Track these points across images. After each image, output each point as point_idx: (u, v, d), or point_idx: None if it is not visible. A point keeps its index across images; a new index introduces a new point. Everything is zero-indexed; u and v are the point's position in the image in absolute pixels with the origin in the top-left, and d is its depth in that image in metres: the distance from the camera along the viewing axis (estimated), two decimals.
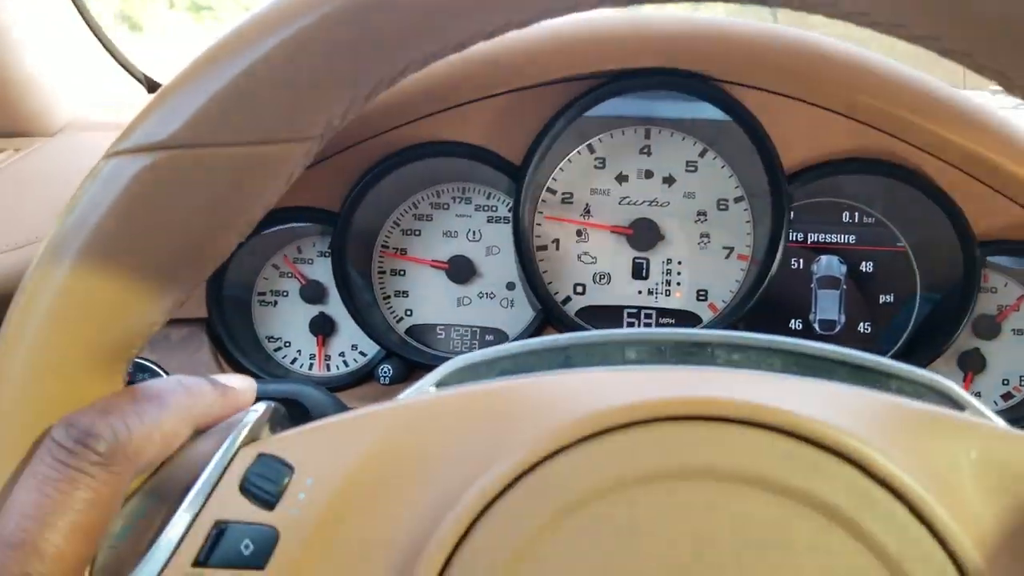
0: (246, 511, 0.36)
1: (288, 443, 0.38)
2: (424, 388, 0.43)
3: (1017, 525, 0.35)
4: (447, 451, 0.37)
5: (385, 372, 0.82)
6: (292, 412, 0.61)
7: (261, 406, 0.41)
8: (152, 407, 0.37)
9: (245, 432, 0.38)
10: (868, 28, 0.36)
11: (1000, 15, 0.32)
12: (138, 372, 0.79)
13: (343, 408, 0.64)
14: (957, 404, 0.43)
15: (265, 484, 0.36)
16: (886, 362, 0.44)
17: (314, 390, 0.62)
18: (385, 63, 0.37)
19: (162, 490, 0.38)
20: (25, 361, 0.36)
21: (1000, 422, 0.40)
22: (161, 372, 0.80)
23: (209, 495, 0.36)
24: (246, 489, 0.36)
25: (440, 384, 0.43)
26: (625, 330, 0.46)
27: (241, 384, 0.43)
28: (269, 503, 0.36)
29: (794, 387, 0.39)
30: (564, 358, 0.45)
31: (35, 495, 0.33)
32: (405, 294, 0.92)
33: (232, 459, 0.37)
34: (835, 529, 0.33)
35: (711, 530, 0.33)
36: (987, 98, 0.86)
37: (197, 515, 0.35)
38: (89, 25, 1.16)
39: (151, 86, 1.30)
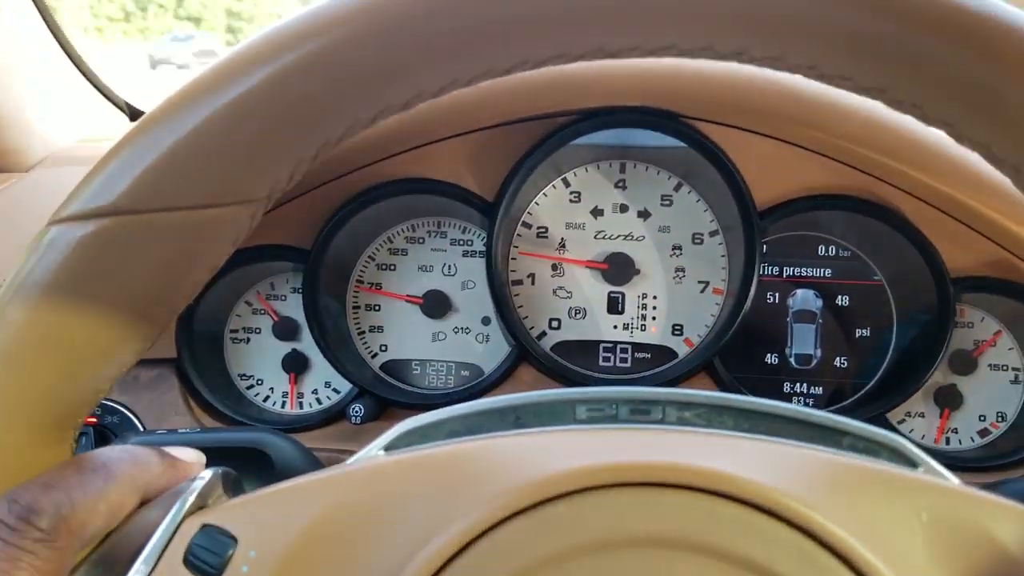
0: None
1: (232, 513, 0.38)
2: (372, 451, 0.42)
3: None
4: (395, 517, 0.37)
5: (356, 412, 0.81)
6: (256, 461, 0.61)
7: (208, 472, 0.40)
8: (97, 478, 0.37)
9: (191, 500, 0.38)
10: (817, 80, 0.37)
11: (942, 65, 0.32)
12: (107, 414, 0.79)
13: (308, 456, 0.64)
14: (910, 461, 0.42)
15: (208, 556, 0.36)
16: (837, 419, 0.43)
17: (277, 438, 0.62)
18: (328, 126, 0.37)
19: (109, 560, 0.37)
20: None
21: (953, 480, 0.40)
22: (130, 415, 0.79)
23: (154, 567, 0.35)
24: (189, 561, 0.36)
25: (389, 447, 0.42)
26: (576, 390, 0.45)
27: (189, 456, 0.42)
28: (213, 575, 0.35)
29: (742, 448, 0.39)
30: (514, 418, 0.44)
31: None
32: (380, 329, 0.92)
33: (176, 529, 0.36)
34: None
35: None
36: None
37: None
38: (71, 57, 1.16)
39: (133, 114, 1.30)
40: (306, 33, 0.35)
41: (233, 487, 0.42)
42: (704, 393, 0.45)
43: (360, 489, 0.38)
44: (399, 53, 0.35)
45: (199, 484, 0.39)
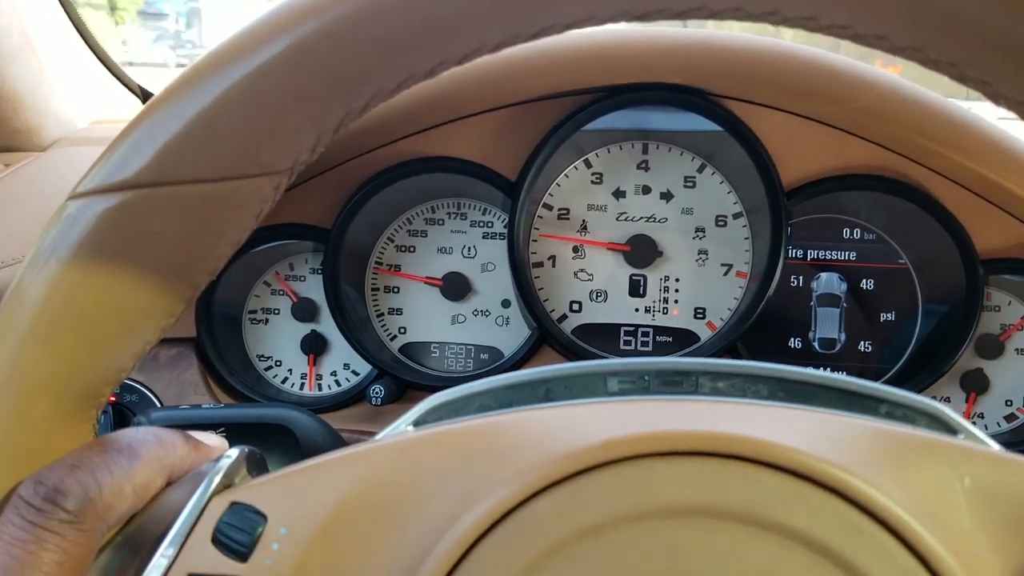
0: (219, 563, 0.34)
1: (261, 491, 0.37)
2: (401, 427, 0.42)
3: (1015, 555, 0.33)
4: (425, 492, 0.36)
5: (376, 393, 0.81)
6: (280, 438, 0.61)
7: (235, 451, 0.39)
8: (123, 459, 0.36)
9: (218, 479, 0.37)
10: (850, 41, 0.36)
11: (978, 22, 0.32)
12: (125, 393, 0.78)
13: (331, 433, 0.63)
14: (950, 428, 0.41)
15: (237, 535, 0.35)
16: (874, 386, 0.42)
17: (302, 415, 0.61)
18: (350, 96, 0.36)
19: (135, 542, 0.37)
20: None
21: (995, 445, 0.39)
22: (149, 393, 0.79)
23: (181, 547, 0.35)
24: (218, 540, 0.35)
25: (418, 423, 0.42)
26: (607, 361, 0.44)
27: (213, 441, 0.42)
28: (242, 554, 0.34)
29: (779, 416, 0.38)
30: (544, 391, 0.43)
31: (3, 557, 0.32)
32: (399, 311, 0.91)
33: (204, 509, 0.36)
34: (825, 565, 0.32)
35: (698, 568, 0.32)
36: (990, 111, 0.85)
37: (169, 568, 0.34)
38: (84, 38, 1.15)
39: (146, 97, 1.30)
40: (327, 2, 0.35)
41: (258, 467, 0.41)
42: (738, 362, 0.44)
43: (390, 464, 0.37)
44: (422, 19, 0.34)
45: (225, 463, 0.38)
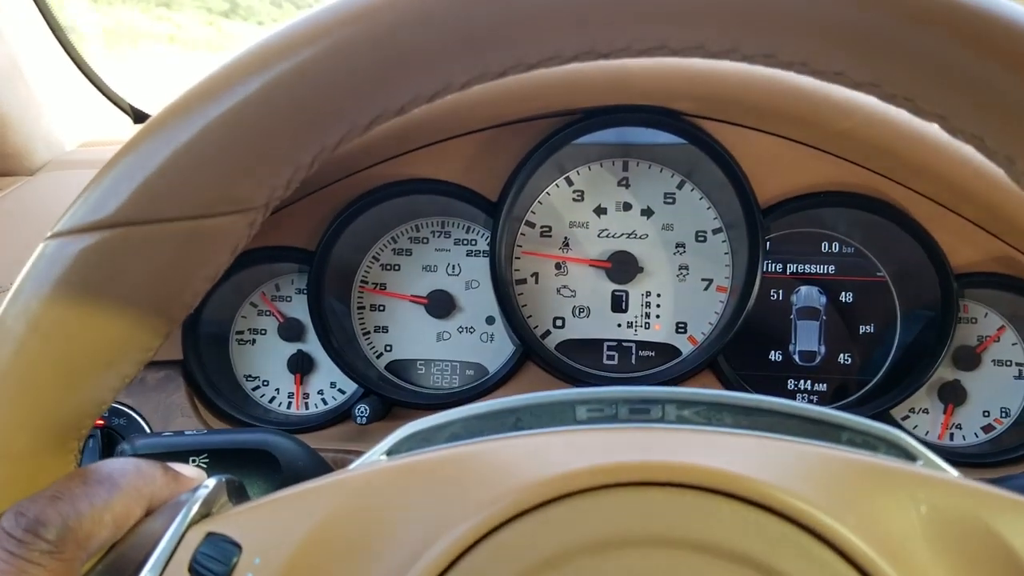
0: None
1: (236, 520, 0.38)
2: (374, 456, 0.43)
3: None
4: (397, 522, 0.37)
5: (362, 412, 0.82)
6: (263, 462, 0.62)
7: (212, 481, 0.40)
8: (102, 489, 0.37)
9: (195, 509, 0.38)
10: (810, 76, 0.37)
11: (930, 59, 0.33)
12: (114, 416, 0.79)
13: (314, 456, 0.64)
14: (909, 455, 0.42)
15: (213, 565, 0.36)
16: (835, 414, 0.43)
17: (283, 439, 0.62)
18: (324, 133, 0.37)
19: (114, 571, 0.37)
20: None
21: (952, 472, 0.40)
22: (137, 416, 0.80)
23: None
24: (195, 569, 0.36)
25: (390, 452, 0.43)
26: (575, 390, 0.45)
27: (191, 472, 0.43)
28: None
29: (741, 446, 0.39)
30: (515, 420, 0.44)
31: None
32: (385, 329, 0.92)
33: (181, 539, 0.37)
34: None
35: None
36: None
37: None
38: (73, 59, 1.16)
39: (137, 116, 1.30)
40: (299, 41, 0.35)
41: (237, 494, 0.42)
42: (702, 391, 0.45)
43: (362, 494, 0.38)
44: (394, 59, 0.35)
45: (203, 493, 0.39)
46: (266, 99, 0.35)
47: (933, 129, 0.75)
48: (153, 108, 1.34)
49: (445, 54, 0.36)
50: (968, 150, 0.73)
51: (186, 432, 0.63)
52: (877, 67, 0.34)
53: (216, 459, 0.60)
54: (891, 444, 0.42)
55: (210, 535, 0.36)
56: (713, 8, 0.34)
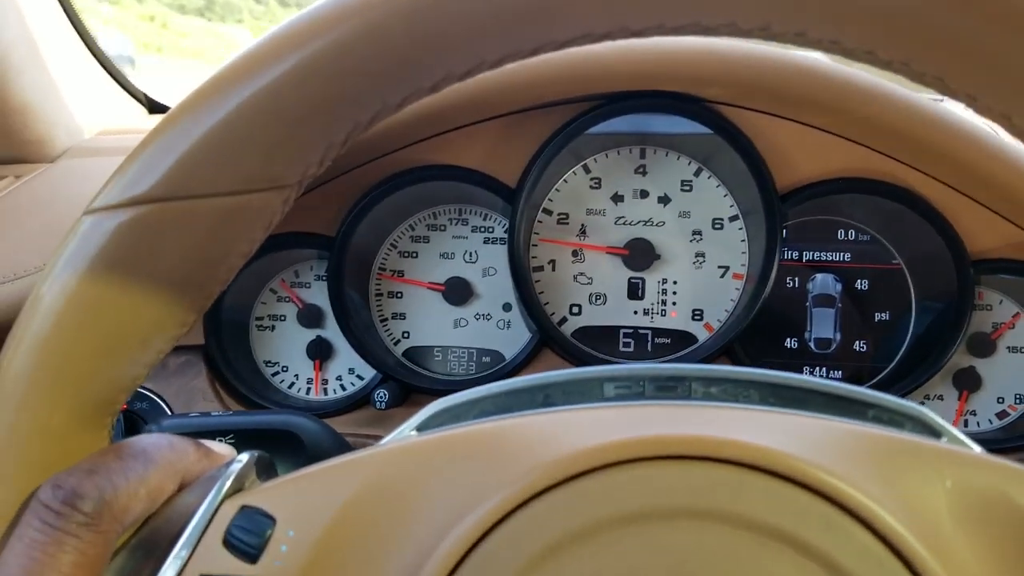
0: (230, 565, 0.36)
1: (270, 494, 0.38)
2: (405, 432, 0.43)
3: (995, 556, 0.35)
4: (428, 496, 0.37)
5: (381, 397, 0.82)
6: (287, 443, 0.63)
7: (245, 456, 0.41)
8: (138, 463, 0.37)
9: (229, 483, 0.38)
10: (839, 55, 0.37)
11: (961, 37, 0.33)
12: (136, 400, 0.80)
13: (337, 438, 0.65)
14: (934, 432, 0.43)
15: (247, 537, 0.36)
16: (861, 391, 0.44)
17: (308, 420, 0.63)
18: (357, 110, 0.38)
19: (149, 545, 0.38)
20: (8, 421, 0.36)
21: (977, 449, 0.40)
22: (159, 400, 0.80)
23: (193, 549, 0.36)
24: (229, 543, 0.36)
25: (421, 428, 0.43)
26: (603, 367, 0.46)
27: (223, 449, 0.43)
28: (252, 556, 0.36)
29: (769, 421, 0.40)
30: (543, 397, 0.45)
31: (23, 559, 0.33)
32: (402, 316, 0.93)
33: (215, 512, 0.37)
34: (811, 566, 0.33)
35: (691, 569, 0.33)
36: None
37: (182, 569, 0.36)
38: (90, 48, 1.17)
39: (152, 106, 1.31)
40: (334, 19, 0.36)
41: (267, 471, 0.43)
42: (729, 368, 0.45)
43: (395, 468, 0.39)
44: (426, 36, 0.36)
45: (236, 467, 0.39)
46: (300, 77, 0.36)
47: (952, 113, 0.75)
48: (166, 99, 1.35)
49: (477, 31, 0.36)
50: (982, 132, 0.74)
51: (213, 413, 0.63)
52: (906, 45, 0.35)
53: (242, 439, 0.61)
54: (917, 421, 0.43)
55: (244, 508, 0.37)
56: None
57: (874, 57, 0.36)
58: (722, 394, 0.45)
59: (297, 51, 0.36)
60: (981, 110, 0.36)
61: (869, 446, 0.38)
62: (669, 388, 0.45)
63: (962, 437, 0.41)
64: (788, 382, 0.45)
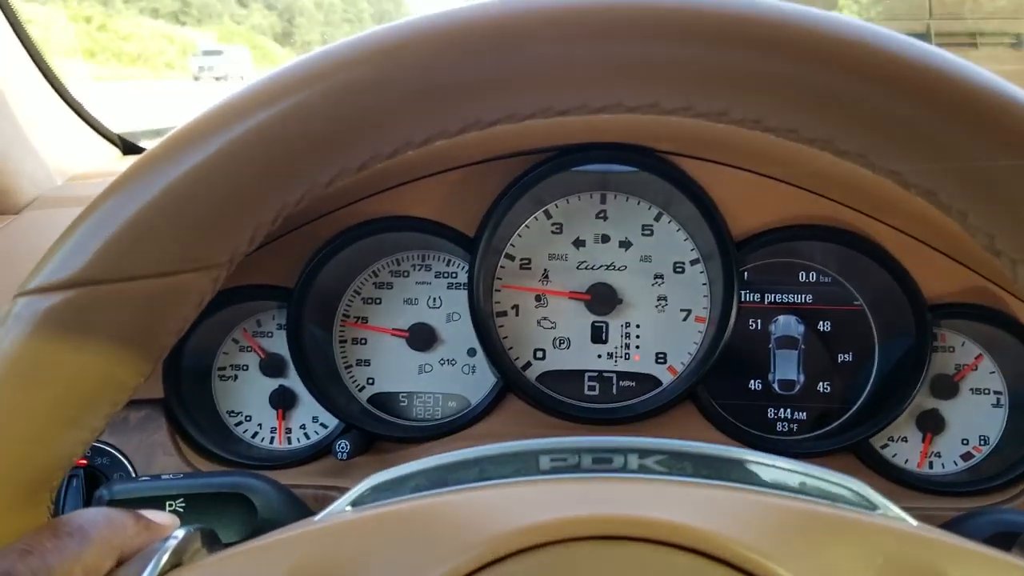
0: None
1: (206, 571, 0.38)
2: (340, 507, 0.43)
3: None
4: (362, 572, 0.37)
5: (343, 447, 0.82)
6: (239, 505, 0.62)
7: (181, 532, 0.41)
8: (73, 541, 0.37)
9: (165, 558, 0.38)
10: (763, 132, 0.38)
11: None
12: (97, 456, 0.80)
13: (290, 498, 0.64)
14: (870, 504, 0.43)
15: None
16: (795, 464, 0.44)
17: (258, 482, 0.63)
18: (284, 191, 0.38)
19: None
20: None
21: (911, 522, 0.40)
22: (119, 455, 0.80)
23: None
24: None
25: (355, 503, 0.43)
26: (538, 441, 0.46)
27: (164, 519, 0.43)
28: None
29: (702, 496, 0.40)
30: (478, 471, 0.45)
31: None
32: (367, 363, 0.93)
33: None
34: None
35: None
36: None
37: None
38: (58, 92, 1.17)
39: (126, 148, 1.31)
40: (258, 103, 0.36)
41: (210, 542, 0.42)
42: (664, 441, 0.45)
43: (328, 545, 0.39)
44: (351, 118, 0.36)
45: (173, 542, 0.39)
46: (225, 160, 0.36)
47: None
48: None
49: (402, 114, 0.37)
50: None
51: (163, 476, 0.63)
52: (829, 125, 0.35)
53: (192, 503, 0.61)
54: (853, 493, 0.43)
55: None
56: (669, 69, 0.35)
57: (797, 136, 0.37)
58: (656, 466, 0.45)
59: (222, 134, 0.36)
60: (907, 186, 0.37)
61: (800, 521, 0.38)
62: (605, 460, 0.45)
63: (897, 511, 0.41)
64: (722, 454, 0.45)
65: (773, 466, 0.44)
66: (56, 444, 0.38)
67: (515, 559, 0.35)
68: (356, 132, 0.37)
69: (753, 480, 0.44)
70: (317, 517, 0.42)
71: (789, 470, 0.44)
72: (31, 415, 0.37)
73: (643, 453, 0.45)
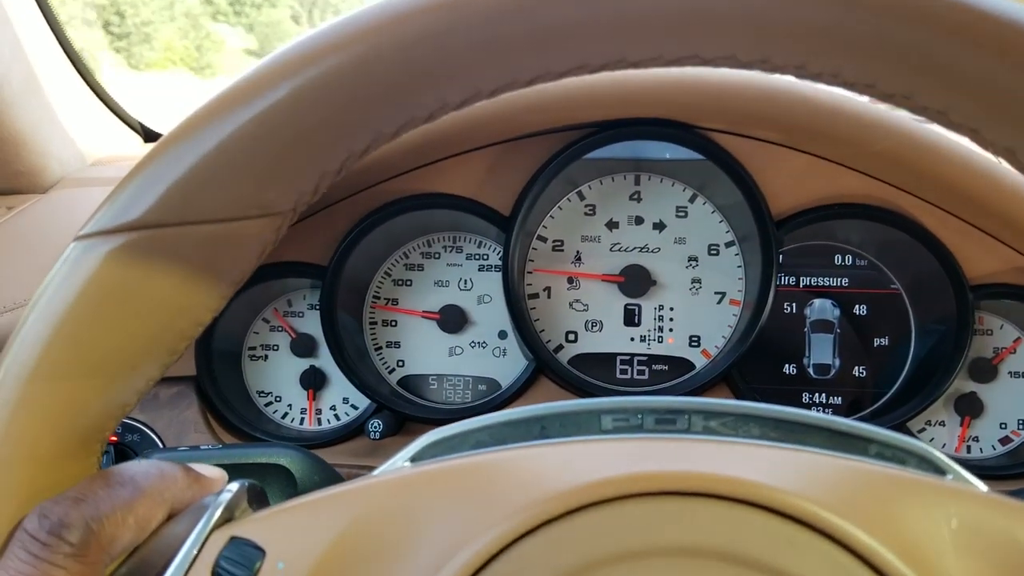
0: None
1: (260, 525, 0.37)
2: (398, 463, 0.42)
3: None
4: (422, 529, 0.37)
5: (375, 427, 0.81)
6: (277, 477, 0.61)
7: (235, 485, 0.40)
8: (125, 491, 0.37)
9: (218, 513, 0.38)
10: (841, 87, 0.37)
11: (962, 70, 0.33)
12: (127, 432, 0.79)
13: (328, 471, 0.64)
14: (939, 469, 0.42)
15: (236, 569, 0.36)
16: (865, 427, 0.43)
17: (298, 453, 0.62)
18: (352, 140, 0.37)
19: (137, 573, 0.37)
20: None
21: (981, 486, 0.39)
22: (150, 432, 0.79)
23: None
24: (217, 574, 0.36)
25: (415, 458, 0.42)
26: (600, 400, 0.45)
27: (213, 473, 0.43)
28: None
29: (770, 457, 0.39)
30: (539, 429, 0.44)
31: None
32: (397, 345, 0.92)
33: (204, 543, 0.36)
34: None
35: None
36: None
37: None
38: (84, 77, 1.17)
39: (147, 135, 1.31)
40: (328, 48, 0.36)
41: (258, 500, 0.42)
42: (730, 402, 0.44)
43: (387, 500, 0.38)
44: (421, 66, 0.36)
45: (226, 497, 0.39)
46: (294, 106, 0.36)
47: (950, 141, 0.75)
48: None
49: (473, 61, 0.36)
50: (983, 161, 0.74)
51: (202, 447, 0.62)
52: (909, 79, 0.34)
53: (232, 473, 0.60)
54: (920, 458, 0.42)
55: (233, 539, 0.36)
56: (745, 19, 0.34)
57: (875, 90, 0.36)
58: (722, 428, 0.44)
59: (291, 79, 0.36)
60: (982, 143, 0.36)
61: (871, 483, 0.37)
62: (668, 421, 0.44)
63: (967, 475, 0.41)
64: (790, 417, 0.44)
65: (841, 430, 0.43)
66: (112, 392, 0.38)
67: (578, 516, 0.35)
68: (426, 80, 0.36)
69: (821, 444, 0.43)
70: (376, 471, 0.41)
71: (858, 435, 0.43)
72: (88, 361, 0.37)
73: (708, 415, 0.44)
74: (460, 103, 0.38)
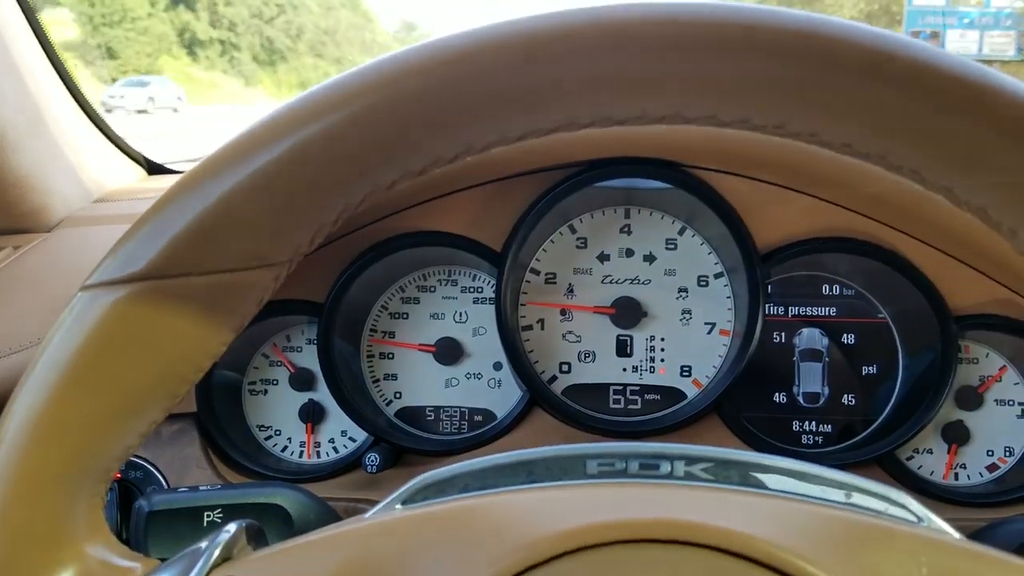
0: None
1: (256, 567, 0.39)
2: (390, 506, 0.44)
3: None
4: (411, 570, 0.38)
5: (372, 461, 0.83)
6: (275, 516, 0.63)
7: (233, 526, 0.41)
8: None
9: (216, 553, 0.39)
10: (818, 146, 0.39)
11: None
12: (130, 469, 0.80)
13: (324, 508, 0.65)
14: (914, 516, 0.43)
15: None
16: (841, 475, 0.44)
17: (295, 492, 0.63)
18: (348, 193, 0.39)
19: None
20: (1, 491, 0.37)
21: (954, 535, 0.41)
22: (153, 469, 0.81)
23: None
24: None
25: (406, 501, 0.44)
26: (586, 445, 0.46)
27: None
28: None
29: (747, 503, 0.40)
30: (527, 473, 0.46)
31: None
32: (394, 377, 0.94)
33: None
34: None
35: None
36: None
37: None
38: (86, 111, 1.19)
39: (151, 168, 1.33)
40: (324, 106, 0.37)
41: (257, 539, 0.43)
42: (711, 449, 0.46)
43: (379, 543, 0.39)
44: (415, 123, 0.37)
45: (224, 537, 0.40)
46: (292, 162, 0.37)
47: None
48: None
49: (466, 119, 0.38)
50: None
51: (201, 487, 0.64)
52: (884, 139, 0.36)
53: (230, 514, 0.62)
54: (896, 505, 0.43)
55: None
56: (724, 83, 0.36)
57: (850, 150, 0.37)
58: (703, 473, 0.45)
59: (290, 136, 0.37)
60: (959, 204, 0.37)
61: (845, 531, 0.38)
62: (651, 466, 0.46)
63: (941, 524, 0.42)
64: (768, 464, 0.45)
65: (819, 477, 0.45)
66: (116, 435, 0.40)
67: (561, 561, 0.36)
68: (419, 137, 0.38)
69: (797, 491, 0.44)
70: (367, 515, 0.43)
71: (835, 481, 0.44)
72: (93, 406, 0.38)
73: (690, 460, 0.46)
74: (452, 158, 0.39)
